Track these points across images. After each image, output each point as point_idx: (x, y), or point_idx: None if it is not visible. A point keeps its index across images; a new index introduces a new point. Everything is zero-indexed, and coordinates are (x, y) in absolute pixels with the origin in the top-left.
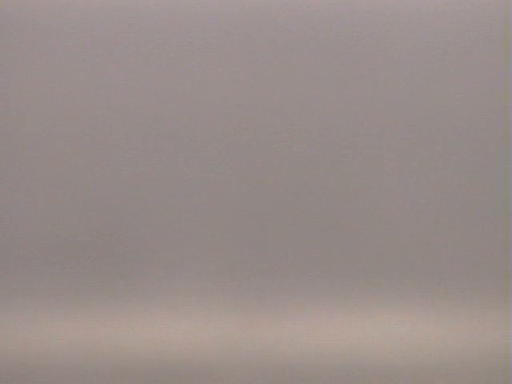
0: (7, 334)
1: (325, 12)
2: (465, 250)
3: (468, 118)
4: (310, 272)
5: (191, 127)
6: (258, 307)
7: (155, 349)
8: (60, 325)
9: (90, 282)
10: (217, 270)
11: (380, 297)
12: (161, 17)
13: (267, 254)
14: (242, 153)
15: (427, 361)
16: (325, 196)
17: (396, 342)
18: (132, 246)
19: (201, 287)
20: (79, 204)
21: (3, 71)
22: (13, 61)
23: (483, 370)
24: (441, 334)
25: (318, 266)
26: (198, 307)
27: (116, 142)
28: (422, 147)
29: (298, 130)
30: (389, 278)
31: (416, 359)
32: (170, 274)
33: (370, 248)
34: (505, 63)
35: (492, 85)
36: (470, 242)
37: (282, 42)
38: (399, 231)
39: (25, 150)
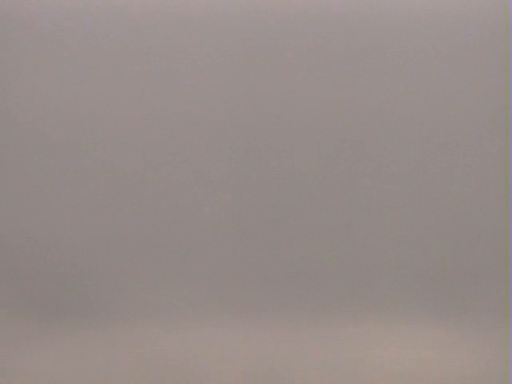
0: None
1: (325, 13)
2: (465, 260)
3: (468, 118)
4: (311, 284)
5: (192, 135)
6: (258, 322)
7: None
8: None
9: (95, 290)
10: (216, 283)
11: (379, 308)
12: (160, 19)
13: (266, 266)
14: (242, 157)
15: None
16: (326, 206)
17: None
18: (134, 258)
19: (200, 300)
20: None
21: (3, 71)
22: (12, 61)
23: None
24: (444, 344)
25: (318, 276)
26: (197, 318)
27: (116, 155)
28: (423, 147)
29: (301, 134)
30: (389, 293)
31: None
32: (170, 287)
33: (373, 263)
34: (505, 63)
35: (492, 85)
36: (471, 256)
37: (282, 43)
38: (402, 243)
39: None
